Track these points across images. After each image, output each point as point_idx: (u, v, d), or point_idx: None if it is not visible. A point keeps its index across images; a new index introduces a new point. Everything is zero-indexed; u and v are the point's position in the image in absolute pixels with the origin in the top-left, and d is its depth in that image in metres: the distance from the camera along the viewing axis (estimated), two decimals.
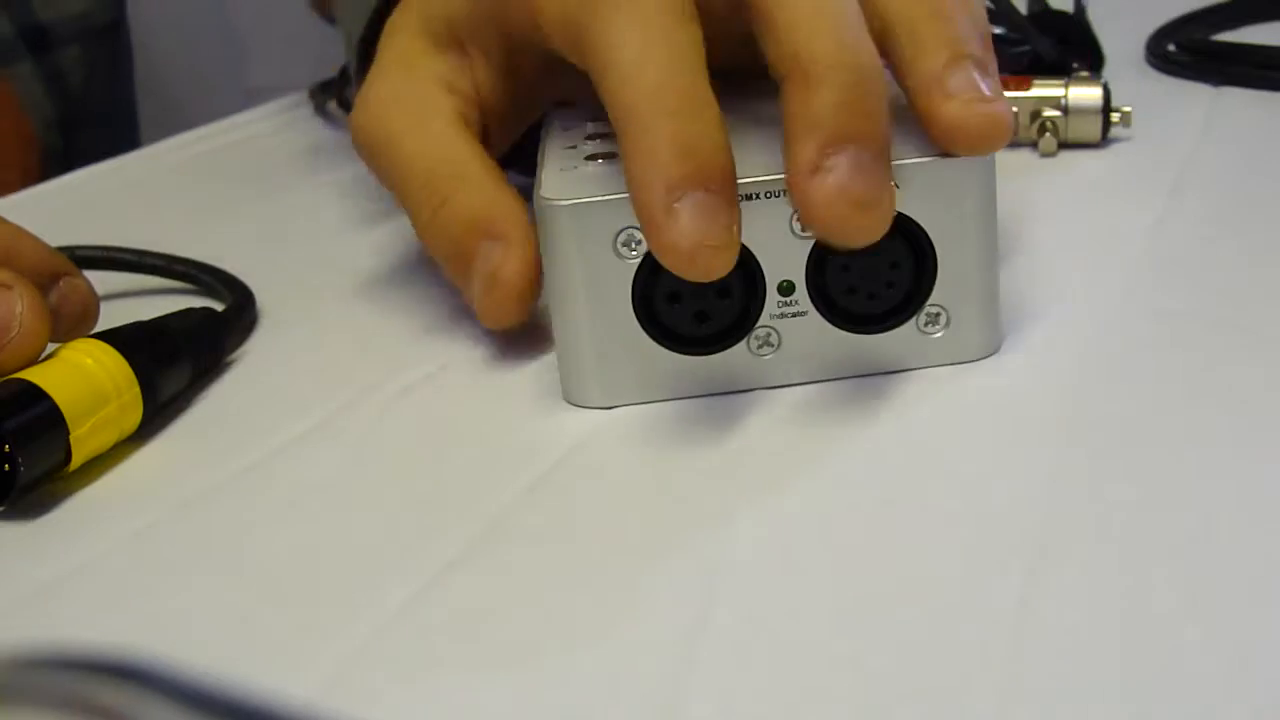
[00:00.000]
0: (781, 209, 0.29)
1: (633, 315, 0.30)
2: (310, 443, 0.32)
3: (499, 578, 0.26)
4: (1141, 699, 0.20)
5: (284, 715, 0.14)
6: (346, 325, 0.38)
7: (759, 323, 0.30)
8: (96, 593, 0.27)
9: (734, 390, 0.31)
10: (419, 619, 0.24)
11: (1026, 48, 0.49)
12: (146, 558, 0.28)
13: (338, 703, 0.22)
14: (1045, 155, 0.45)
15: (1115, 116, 0.45)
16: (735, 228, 0.28)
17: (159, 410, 0.33)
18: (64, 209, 0.54)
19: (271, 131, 0.61)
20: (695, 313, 0.30)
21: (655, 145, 0.27)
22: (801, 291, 0.30)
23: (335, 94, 0.61)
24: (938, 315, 0.31)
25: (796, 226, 0.30)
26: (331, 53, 0.68)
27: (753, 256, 0.30)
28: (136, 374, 0.31)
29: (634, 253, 0.30)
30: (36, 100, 0.68)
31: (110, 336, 0.32)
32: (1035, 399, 0.30)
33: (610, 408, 0.31)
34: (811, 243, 0.30)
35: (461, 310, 0.38)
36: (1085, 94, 0.45)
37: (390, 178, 0.36)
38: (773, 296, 0.30)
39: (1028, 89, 0.45)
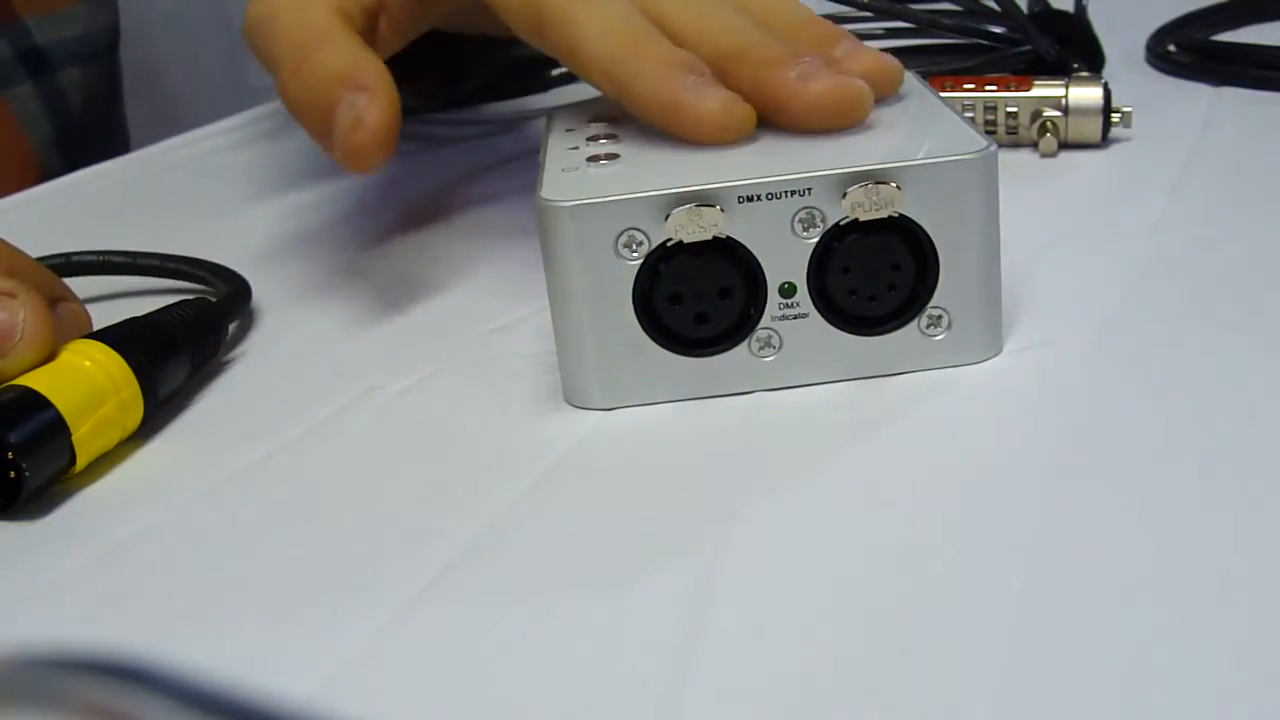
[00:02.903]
0: (783, 210, 0.29)
1: (634, 317, 0.30)
2: (310, 443, 0.32)
3: (498, 578, 0.26)
4: (1142, 699, 0.20)
5: (284, 715, 0.14)
6: (346, 325, 0.38)
7: (760, 324, 0.30)
8: (96, 593, 0.27)
9: (735, 392, 0.31)
10: (419, 619, 0.24)
11: (1027, 48, 0.49)
12: (146, 558, 0.28)
13: (338, 703, 0.22)
14: (1045, 155, 0.45)
15: (1115, 116, 0.45)
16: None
17: (159, 406, 0.33)
18: (64, 209, 0.54)
19: (271, 131, 0.61)
20: (696, 314, 0.30)
21: (648, 63, 0.32)
22: (803, 293, 0.30)
23: None
24: (939, 317, 0.31)
25: (799, 228, 0.30)
26: None
27: (754, 258, 0.30)
28: (134, 371, 0.31)
29: (635, 254, 0.30)
30: (34, 119, 0.68)
31: (105, 335, 0.32)
32: (1035, 399, 0.30)
33: (611, 409, 0.31)
34: (813, 245, 0.30)
35: (462, 311, 0.38)
36: (1086, 94, 0.45)
37: (263, 48, 0.38)
38: (774, 298, 0.30)
39: (1028, 89, 0.45)
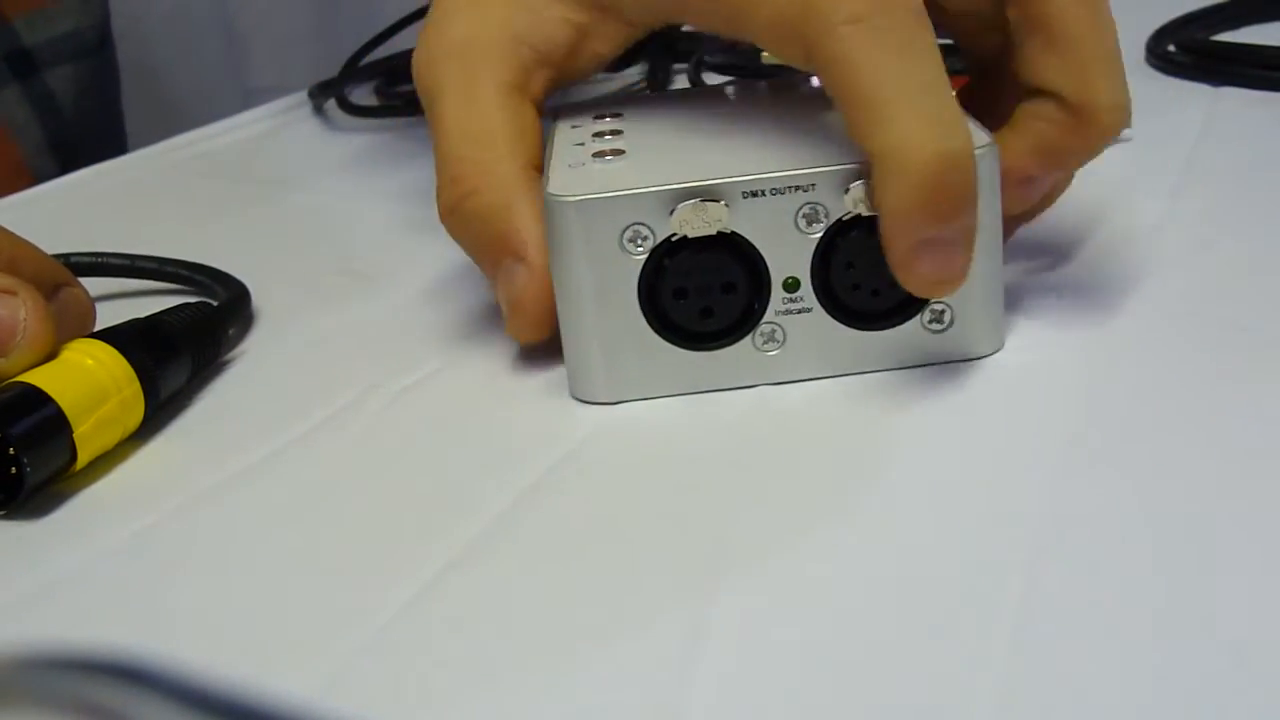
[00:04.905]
0: (786, 206, 0.29)
1: (639, 311, 0.30)
2: (311, 442, 0.32)
3: (500, 577, 0.26)
4: (1141, 699, 0.20)
5: (284, 715, 0.14)
6: (347, 325, 0.38)
7: (764, 319, 0.31)
8: (96, 593, 0.27)
9: (739, 386, 0.31)
10: (419, 619, 0.24)
11: None
12: (146, 558, 0.28)
13: (338, 703, 0.22)
14: None
15: None
16: (968, 258, 0.29)
17: (160, 407, 0.33)
18: (64, 210, 0.54)
19: (271, 131, 0.61)
20: (701, 309, 0.30)
21: (914, 199, 0.28)
22: (807, 288, 0.30)
23: (335, 94, 0.61)
24: (942, 313, 0.31)
25: (802, 223, 0.30)
26: (331, 53, 0.68)
27: (758, 253, 0.30)
28: (136, 370, 0.31)
29: (640, 249, 0.30)
30: (23, 125, 0.68)
31: (108, 335, 0.32)
32: (1036, 399, 0.30)
33: (616, 403, 0.31)
34: (817, 240, 0.30)
35: (462, 310, 0.38)
36: None
37: (431, 138, 0.35)
38: (778, 293, 0.30)
39: None
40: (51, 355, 0.31)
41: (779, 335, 0.31)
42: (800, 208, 0.29)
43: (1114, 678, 0.21)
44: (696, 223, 0.29)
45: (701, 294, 0.30)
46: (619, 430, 0.30)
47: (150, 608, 0.26)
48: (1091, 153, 0.32)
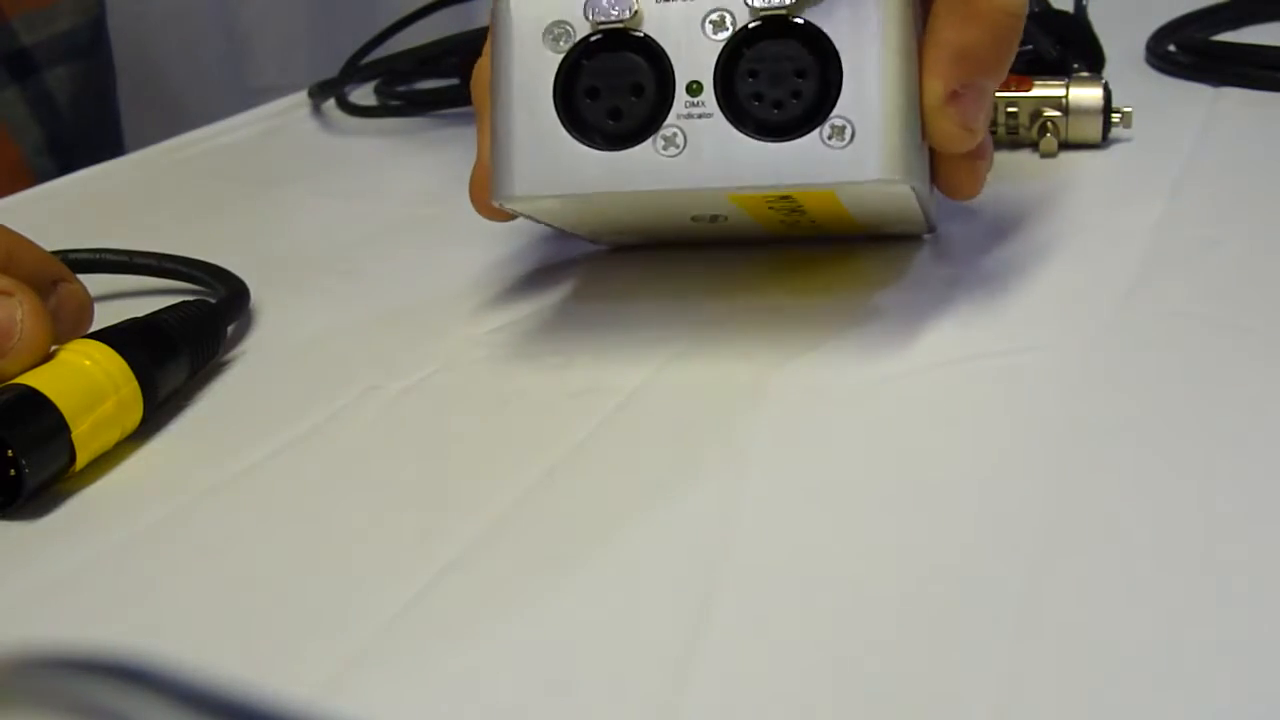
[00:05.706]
0: (697, 10, 0.31)
1: (553, 108, 0.31)
2: (310, 442, 0.32)
3: (499, 578, 0.26)
4: (1142, 700, 0.20)
5: (284, 715, 0.14)
6: (347, 325, 0.38)
7: (666, 122, 0.31)
8: (96, 593, 0.27)
9: (642, 189, 0.31)
10: (419, 619, 0.24)
11: (1028, 47, 0.49)
12: (146, 558, 0.28)
13: (338, 703, 0.22)
14: (1045, 156, 0.45)
15: (1116, 117, 0.45)
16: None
17: (159, 406, 0.33)
18: (63, 209, 0.54)
19: (271, 131, 0.61)
20: (610, 109, 0.31)
21: None
22: (709, 93, 0.31)
23: (335, 94, 0.61)
24: (842, 129, 0.30)
25: (710, 28, 0.31)
26: (331, 53, 0.68)
27: (665, 55, 0.31)
28: (134, 370, 0.31)
29: (561, 47, 0.31)
30: (23, 125, 0.68)
31: (105, 335, 0.32)
32: (1036, 399, 0.30)
33: (528, 200, 0.32)
34: (721, 45, 0.31)
35: (462, 311, 0.38)
36: (1086, 94, 0.45)
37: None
38: (681, 96, 0.31)
39: (1028, 89, 0.45)
40: (49, 355, 0.31)
41: (679, 140, 0.31)
42: (709, 13, 0.30)
43: (1114, 679, 0.21)
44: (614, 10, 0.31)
45: (612, 94, 0.31)
46: (613, 437, 0.30)
47: (150, 608, 0.26)
48: (985, 48, 0.31)
